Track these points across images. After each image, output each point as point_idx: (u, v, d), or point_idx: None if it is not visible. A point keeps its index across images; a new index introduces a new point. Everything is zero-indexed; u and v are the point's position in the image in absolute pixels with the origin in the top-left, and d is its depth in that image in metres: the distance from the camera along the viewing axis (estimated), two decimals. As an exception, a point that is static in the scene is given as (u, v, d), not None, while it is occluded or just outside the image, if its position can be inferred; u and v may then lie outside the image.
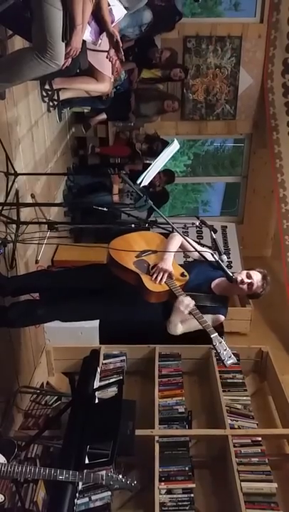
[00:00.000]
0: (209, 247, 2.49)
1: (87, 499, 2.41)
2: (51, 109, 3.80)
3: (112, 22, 2.54)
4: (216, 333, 2.02)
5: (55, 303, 2.52)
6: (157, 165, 2.43)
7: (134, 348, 3.74)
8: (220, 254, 2.35)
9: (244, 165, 6.19)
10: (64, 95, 3.80)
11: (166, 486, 2.66)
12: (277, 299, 4.66)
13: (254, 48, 5.31)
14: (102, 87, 3.48)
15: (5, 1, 2.05)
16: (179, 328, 2.29)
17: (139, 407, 2.74)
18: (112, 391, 2.94)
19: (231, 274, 2.28)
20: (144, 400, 3.26)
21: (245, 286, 2.32)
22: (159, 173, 3.60)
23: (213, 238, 2.46)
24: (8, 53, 2.63)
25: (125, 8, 2.70)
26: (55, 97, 3.76)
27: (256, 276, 2.33)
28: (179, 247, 2.47)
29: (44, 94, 3.56)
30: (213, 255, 2.39)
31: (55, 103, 3.82)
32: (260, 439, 2.96)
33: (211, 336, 2.00)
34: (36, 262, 3.51)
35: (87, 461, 2.16)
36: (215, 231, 2.52)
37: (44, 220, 3.31)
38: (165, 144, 3.47)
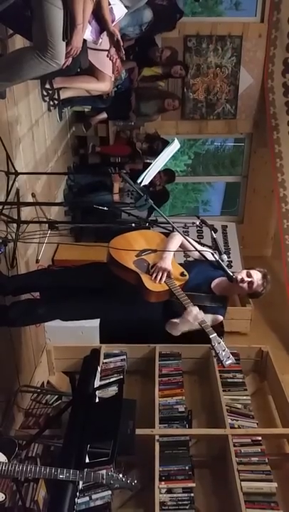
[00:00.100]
0: (209, 247, 2.49)
1: (87, 498, 2.42)
2: (52, 108, 3.80)
3: (113, 21, 2.54)
4: (215, 334, 2.02)
5: (56, 302, 2.52)
6: (158, 164, 2.43)
7: (134, 347, 3.74)
8: (220, 253, 2.35)
9: (244, 164, 6.19)
10: (64, 94, 3.80)
11: (167, 486, 2.66)
12: (278, 298, 4.66)
13: (254, 47, 5.31)
14: (103, 86, 3.48)
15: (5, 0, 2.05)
16: (179, 331, 2.29)
17: (139, 407, 2.73)
18: (113, 390, 2.94)
19: (231, 274, 2.28)
20: (145, 399, 3.26)
21: (245, 285, 2.32)
22: (159, 172, 3.60)
23: (213, 238, 2.46)
24: (8, 52, 2.63)
25: (126, 7, 2.69)
26: (56, 96, 3.75)
27: (256, 275, 2.33)
28: (180, 247, 2.47)
29: (44, 93, 3.56)
30: (213, 255, 2.39)
31: (56, 102, 3.82)
32: (260, 438, 2.96)
33: (210, 337, 2.00)
34: (37, 261, 3.51)
35: (87, 460, 2.16)
36: (215, 230, 2.52)
37: (45, 220, 3.31)
38: (165, 144, 3.47)
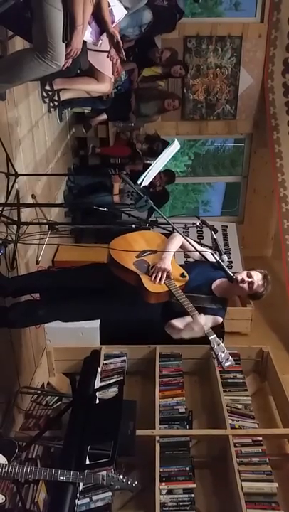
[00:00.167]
0: (210, 247, 2.49)
1: (87, 499, 2.41)
2: (52, 109, 3.80)
3: (113, 22, 2.54)
4: (215, 335, 2.01)
5: (56, 303, 2.52)
6: (158, 165, 2.43)
7: (134, 348, 3.74)
8: (220, 254, 2.35)
9: (244, 165, 6.19)
10: (64, 96, 3.80)
11: (167, 486, 2.66)
12: (278, 298, 4.66)
13: (254, 47, 5.31)
14: (103, 87, 3.48)
15: (5, 1, 2.05)
16: (181, 336, 2.28)
17: (139, 408, 2.74)
18: (113, 391, 2.94)
19: (232, 274, 2.27)
20: (145, 400, 3.26)
21: (245, 285, 2.31)
22: (159, 173, 3.61)
23: (213, 238, 2.46)
24: (8, 54, 2.63)
25: (125, 8, 2.70)
26: (56, 98, 3.76)
27: (257, 276, 2.33)
28: (180, 248, 2.47)
29: (44, 94, 3.56)
30: (213, 255, 2.39)
31: (56, 104, 3.83)
32: (260, 438, 2.96)
33: (210, 338, 1.99)
34: (37, 262, 3.51)
35: (87, 462, 2.17)
36: (215, 231, 2.52)
37: (45, 221, 3.31)
38: (165, 144, 3.46)
